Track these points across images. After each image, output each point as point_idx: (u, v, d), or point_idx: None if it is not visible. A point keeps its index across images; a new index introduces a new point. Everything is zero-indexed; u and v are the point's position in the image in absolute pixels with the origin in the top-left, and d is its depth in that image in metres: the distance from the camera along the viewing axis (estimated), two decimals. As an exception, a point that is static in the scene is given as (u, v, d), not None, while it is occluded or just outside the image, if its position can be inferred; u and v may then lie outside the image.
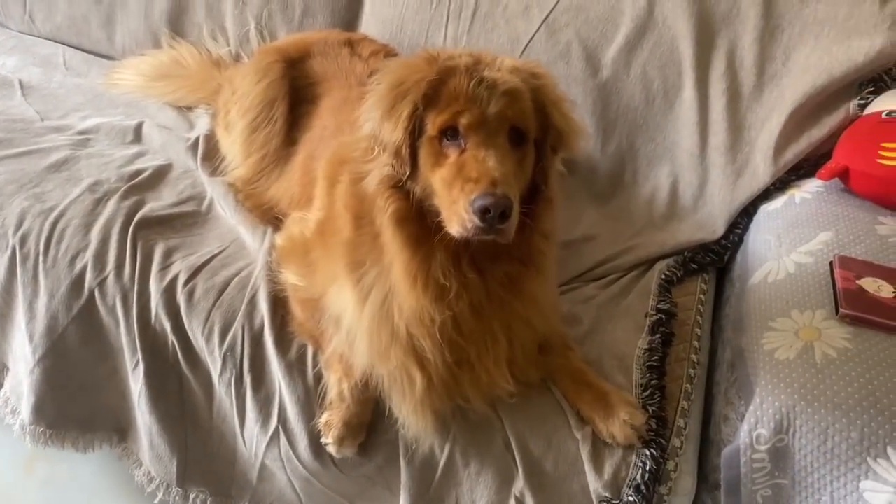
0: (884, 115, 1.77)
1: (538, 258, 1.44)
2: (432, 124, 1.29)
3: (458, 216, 1.24)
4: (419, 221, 1.34)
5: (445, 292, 1.35)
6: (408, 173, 1.32)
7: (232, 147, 2.09)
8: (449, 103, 1.28)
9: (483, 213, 1.20)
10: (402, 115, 1.30)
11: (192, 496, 1.81)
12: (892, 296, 1.42)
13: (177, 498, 1.81)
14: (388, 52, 2.15)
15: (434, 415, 1.47)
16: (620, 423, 1.45)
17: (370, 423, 1.56)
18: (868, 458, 1.22)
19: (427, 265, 1.34)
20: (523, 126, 1.32)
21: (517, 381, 1.50)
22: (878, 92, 1.88)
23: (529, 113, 1.33)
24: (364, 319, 1.42)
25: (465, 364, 1.44)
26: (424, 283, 1.34)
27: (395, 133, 1.30)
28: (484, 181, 1.21)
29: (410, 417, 1.47)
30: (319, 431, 1.56)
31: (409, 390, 1.44)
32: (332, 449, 1.54)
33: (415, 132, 1.31)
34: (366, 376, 1.49)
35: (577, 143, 1.42)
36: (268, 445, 1.66)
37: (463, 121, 1.27)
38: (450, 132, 1.29)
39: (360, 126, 1.39)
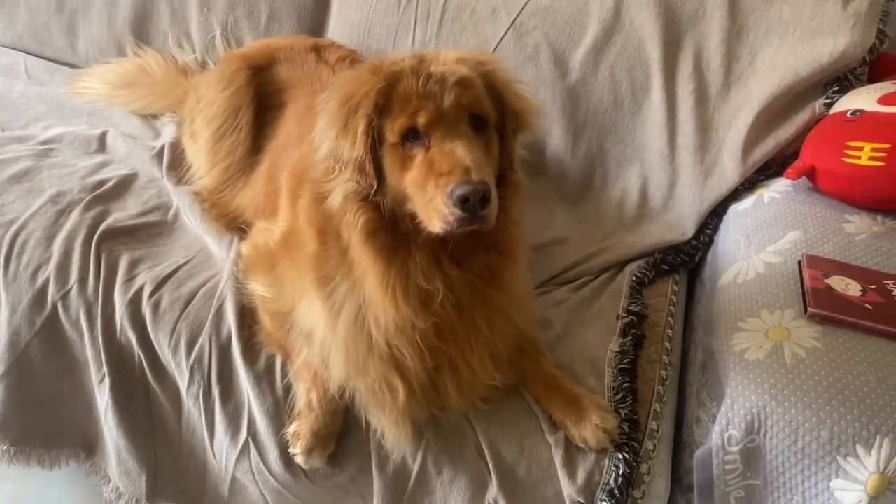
0: (849, 115, 1.78)
1: (513, 245, 1.43)
2: (391, 132, 1.28)
3: (437, 212, 1.22)
4: (391, 231, 1.32)
5: (430, 297, 1.33)
6: (375, 187, 1.30)
7: (198, 156, 2.06)
8: (403, 107, 1.27)
9: (463, 202, 1.19)
10: (357, 130, 1.28)
11: (161, 512, 1.78)
12: (859, 294, 1.43)
13: (146, 513, 1.78)
14: (355, 58, 2.12)
15: (413, 424, 1.46)
16: (592, 428, 1.45)
17: (341, 432, 1.54)
18: (838, 457, 1.22)
19: (404, 273, 1.32)
20: (482, 112, 1.31)
21: (498, 370, 1.49)
22: (843, 91, 1.90)
23: (484, 99, 1.32)
24: (338, 335, 1.40)
25: (446, 367, 1.43)
26: (404, 292, 1.32)
27: (354, 150, 1.29)
28: (457, 171, 1.20)
29: (391, 428, 1.46)
30: (288, 442, 1.54)
31: (390, 401, 1.43)
32: (300, 459, 1.52)
33: (374, 144, 1.29)
34: (341, 390, 1.47)
35: (534, 121, 1.42)
36: (238, 458, 1.64)
37: (420, 119, 1.26)
38: (410, 134, 1.27)
39: (317, 147, 1.37)
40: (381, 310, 1.34)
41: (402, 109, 1.27)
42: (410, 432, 1.47)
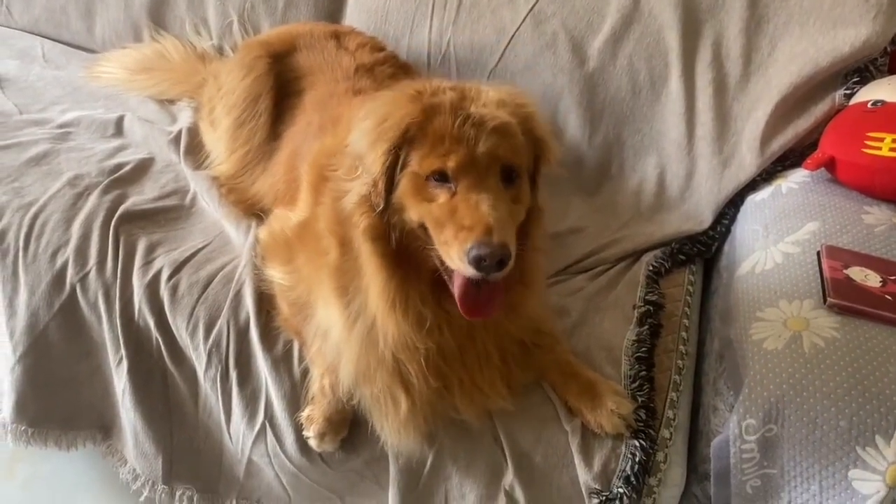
0: (869, 105, 1.77)
1: (535, 275, 1.44)
2: (418, 164, 1.26)
3: (450, 259, 1.22)
4: (392, 244, 1.32)
5: (423, 321, 1.33)
6: (382, 206, 1.29)
7: (217, 144, 2.06)
8: (434, 145, 1.25)
9: (478, 262, 1.17)
10: (380, 152, 1.28)
11: (178, 493, 1.78)
12: (879, 285, 1.43)
13: (163, 495, 1.78)
14: (376, 46, 2.11)
15: (418, 433, 1.46)
16: (608, 413, 1.45)
17: (356, 418, 1.55)
18: (856, 447, 1.22)
19: (404, 291, 1.32)
20: (515, 163, 1.29)
21: (513, 392, 1.49)
22: (863, 82, 1.89)
23: (521, 148, 1.30)
24: (352, 343, 1.40)
25: (455, 386, 1.43)
26: (404, 308, 1.32)
27: (374, 166, 1.29)
28: (478, 228, 1.18)
29: (393, 436, 1.47)
30: (302, 425, 1.55)
31: (392, 412, 1.43)
32: (313, 443, 1.54)
33: (394, 168, 1.28)
34: (348, 393, 1.47)
35: (557, 163, 1.41)
36: (255, 441, 1.65)
37: (450, 163, 1.23)
38: (438, 175, 1.25)
39: (347, 147, 1.37)
40: (383, 321, 1.34)
41: (432, 147, 1.25)
42: (412, 440, 1.47)
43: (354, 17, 2.40)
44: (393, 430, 1.45)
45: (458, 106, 1.27)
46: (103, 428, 1.88)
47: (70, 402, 1.86)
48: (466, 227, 1.19)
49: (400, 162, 1.28)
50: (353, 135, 1.36)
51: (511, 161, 1.28)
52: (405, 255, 1.32)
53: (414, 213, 1.28)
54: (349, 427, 1.56)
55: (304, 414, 1.55)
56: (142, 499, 1.81)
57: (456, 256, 1.20)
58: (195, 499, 1.78)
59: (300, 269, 1.57)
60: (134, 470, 1.82)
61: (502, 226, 1.20)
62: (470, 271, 1.19)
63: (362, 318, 1.38)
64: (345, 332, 1.40)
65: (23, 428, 1.86)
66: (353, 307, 1.39)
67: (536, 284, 1.46)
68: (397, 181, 1.29)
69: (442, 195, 1.25)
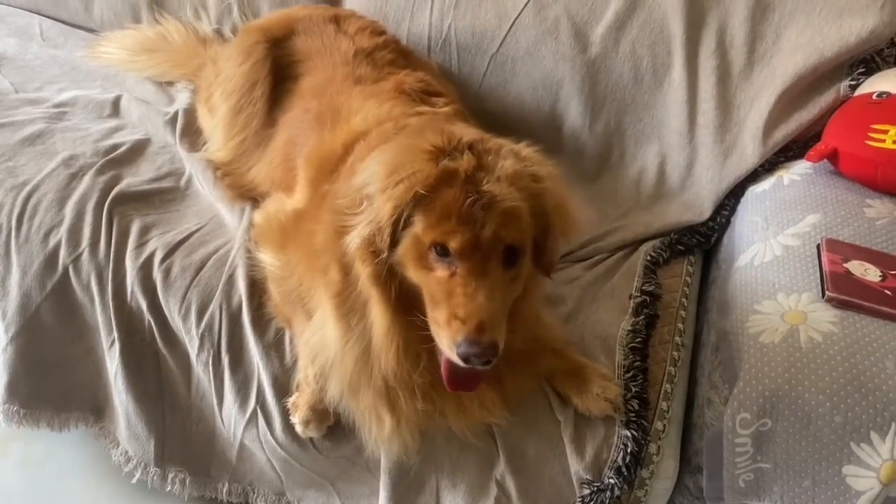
0: (874, 97, 1.75)
1: (530, 323, 1.43)
2: (423, 231, 1.22)
3: (440, 342, 1.22)
4: (398, 285, 1.30)
5: (420, 361, 1.33)
6: (385, 254, 1.26)
7: (214, 131, 2.04)
8: (441, 218, 1.20)
9: (466, 358, 1.17)
10: (388, 205, 1.23)
11: (170, 476, 1.78)
12: (878, 279, 1.41)
13: (155, 478, 1.79)
14: (375, 29, 2.08)
15: (403, 446, 1.45)
16: (594, 397, 1.45)
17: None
18: (851, 443, 1.21)
19: (406, 333, 1.31)
20: (519, 244, 1.24)
21: (508, 406, 1.47)
22: (869, 73, 1.86)
23: (526, 229, 1.25)
24: (346, 361, 1.38)
25: (445, 409, 1.42)
26: (405, 349, 1.32)
27: (380, 214, 1.24)
28: (470, 324, 1.16)
29: (378, 448, 1.47)
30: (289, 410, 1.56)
31: (376, 429, 1.43)
32: (298, 429, 1.54)
33: (399, 222, 1.23)
34: (334, 402, 1.46)
35: (578, 237, 1.37)
36: (246, 425, 1.64)
37: (453, 244, 1.19)
38: (440, 248, 1.21)
39: (353, 181, 1.33)
40: (384, 358, 1.33)
41: (438, 220, 1.20)
42: (398, 452, 1.46)
43: (355, 0, 2.36)
44: (377, 443, 1.45)
45: (472, 178, 1.21)
46: (96, 410, 1.88)
47: (62, 383, 1.85)
48: (460, 317, 1.17)
49: (403, 220, 1.23)
50: (362, 173, 1.31)
51: (514, 242, 1.24)
52: (406, 299, 1.29)
53: (412, 275, 1.26)
54: (337, 417, 1.55)
55: (291, 400, 1.56)
56: (134, 480, 1.81)
57: (445, 343, 1.20)
58: (187, 481, 1.78)
59: (293, 264, 1.56)
60: (126, 452, 1.82)
61: (495, 322, 1.18)
62: (456, 360, 1.19)
63: (360, 340, 1.36)
64: (340, 349, 1.39)
65: (15, 408, 1.86)
66: (353, 332, 1.37)
67: (530, 335, 1.45)
68: (400, 236, 1.25)
69: (441, 269, 1.22)
